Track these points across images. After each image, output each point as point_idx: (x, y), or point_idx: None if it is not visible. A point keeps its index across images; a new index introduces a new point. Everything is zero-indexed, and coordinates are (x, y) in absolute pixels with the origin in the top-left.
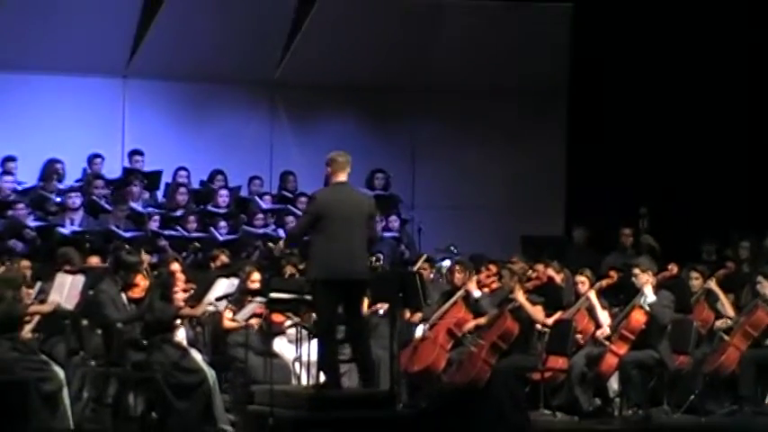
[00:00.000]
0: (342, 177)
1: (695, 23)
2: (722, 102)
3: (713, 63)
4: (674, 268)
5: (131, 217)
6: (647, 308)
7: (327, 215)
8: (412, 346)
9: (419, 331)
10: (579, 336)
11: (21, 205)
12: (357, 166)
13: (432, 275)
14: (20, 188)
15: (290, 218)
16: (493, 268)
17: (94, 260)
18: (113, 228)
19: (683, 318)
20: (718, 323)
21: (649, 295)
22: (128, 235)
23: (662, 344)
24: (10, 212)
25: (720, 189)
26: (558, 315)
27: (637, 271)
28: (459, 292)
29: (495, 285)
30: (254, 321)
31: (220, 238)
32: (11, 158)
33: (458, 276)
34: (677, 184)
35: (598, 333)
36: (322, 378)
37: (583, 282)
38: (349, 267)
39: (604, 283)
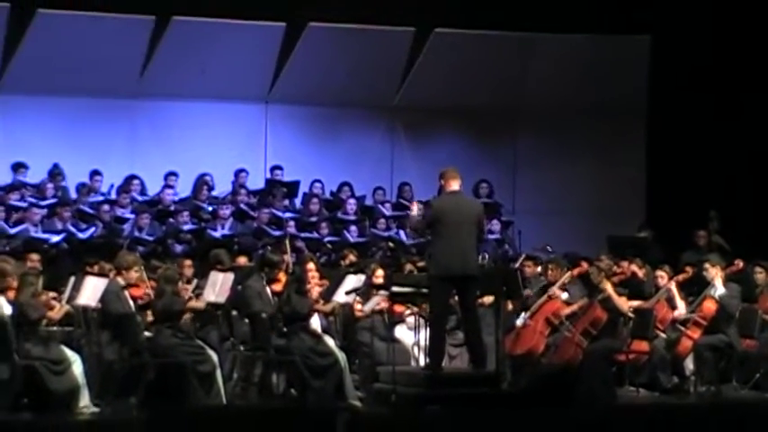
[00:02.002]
0: (454, 187)
1: (758, 46)
2: None
3: None
4: (740, 263)
5: (272, 221)
6: (717, 298)
7: (442, 220)
8: (515, 333)
9: (520, 320)
10: (659, 323)
11: (185, 213)
12: (464, 176)
13: (537, 271)
14: (177, 198)
15: None
16: (584, 265)
17: (242, 260)
18: (264, 227)
19: (748, 306)
20: None
21: (719, 287)
22: (275, 233)
23: (731, 329)
24: (171, 220)
25: None
26: (636, 303)
27: (707, 266)
28: (557, 285)
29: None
30: (379, 309)
31: (351, 240)
32: (173, 174)
33: (551, 273)
34: (744, 190)
35: (676, 313)
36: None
37: (662, 276)
38: (461, 265)
39: (681, 277)
